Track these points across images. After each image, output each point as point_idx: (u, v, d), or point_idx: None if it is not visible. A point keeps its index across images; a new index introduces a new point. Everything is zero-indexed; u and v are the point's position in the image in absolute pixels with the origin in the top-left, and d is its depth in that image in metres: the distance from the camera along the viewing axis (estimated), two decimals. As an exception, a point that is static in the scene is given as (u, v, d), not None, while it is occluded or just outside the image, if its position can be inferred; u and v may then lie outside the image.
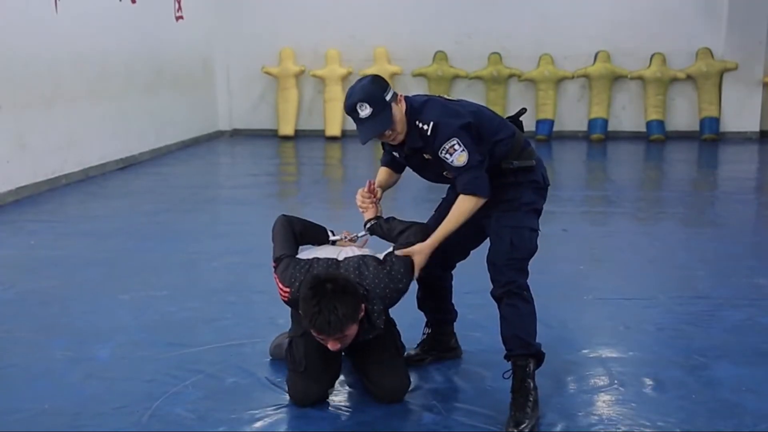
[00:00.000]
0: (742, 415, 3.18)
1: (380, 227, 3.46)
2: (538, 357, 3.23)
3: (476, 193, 3.14)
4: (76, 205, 7.56)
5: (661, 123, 12.13)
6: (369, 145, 12.17)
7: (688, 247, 5.90)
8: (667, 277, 5.16)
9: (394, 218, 3.50)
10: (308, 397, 3.26)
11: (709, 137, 11.93)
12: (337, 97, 12.47)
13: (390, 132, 3.17)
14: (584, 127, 12.48)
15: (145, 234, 6.35)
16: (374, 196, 3.53)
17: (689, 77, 12.11)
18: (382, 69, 11.95)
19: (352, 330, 2.97)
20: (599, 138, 12.18)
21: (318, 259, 3.23)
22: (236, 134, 13.18)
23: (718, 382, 3.49)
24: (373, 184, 3.54)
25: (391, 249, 3.29)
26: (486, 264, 3.26)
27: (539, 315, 3.27)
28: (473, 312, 4.06)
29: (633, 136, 12.34)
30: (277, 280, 3.19)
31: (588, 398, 3.36)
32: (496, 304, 3.25)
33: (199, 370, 3.62)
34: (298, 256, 3.32)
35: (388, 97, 3.14)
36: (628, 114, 12.54)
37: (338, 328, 2.90)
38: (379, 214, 3.53)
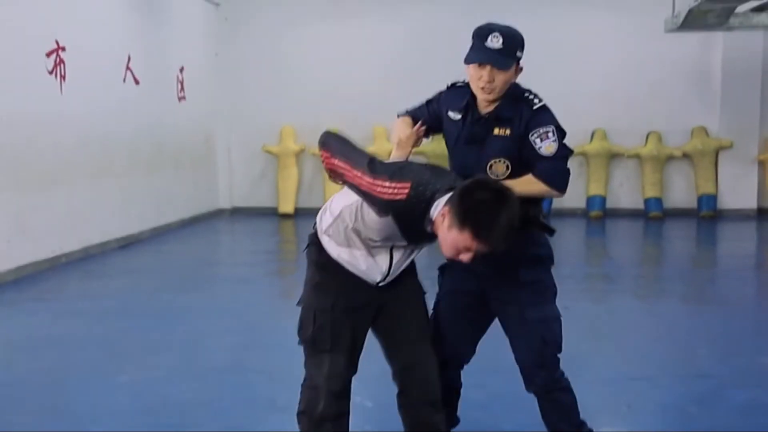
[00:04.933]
0: (751, 500, 3.12)
1: None
2: None
3: (551, 184, 2.95)
4: (75, 284, 7.54)
5: (658, 200, 12.21)
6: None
7: (689, 325, 5.87)
8: (669, 355, 5.12)
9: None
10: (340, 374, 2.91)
11: (707, 214, 11.99)
12: (336, 174, 12.56)
13: (493, 79, 2.95)
14: (583, 204, 12.54)
15: (144, 312, 6.32)
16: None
17: (685, 155, 12.25)
18: (381, 147, 12.07)
19: None
20: (598, 215, 12.24)
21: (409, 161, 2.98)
22: (236, 212, 13.24)
23: (724, 465, 3.44)
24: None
25: None
26: (515, 361, 3.13)
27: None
28: (476, 391, 3.97)
29: (631, 213, 12.39)
30: (382, 181, 2.72)
31: (593, 482, 3.30)
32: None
33: (197, 453, 3.57)
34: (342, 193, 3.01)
35: (518, 53, 3.00)
36: (625, 191, 12.63)
37: (509, 240, 2.61)
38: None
